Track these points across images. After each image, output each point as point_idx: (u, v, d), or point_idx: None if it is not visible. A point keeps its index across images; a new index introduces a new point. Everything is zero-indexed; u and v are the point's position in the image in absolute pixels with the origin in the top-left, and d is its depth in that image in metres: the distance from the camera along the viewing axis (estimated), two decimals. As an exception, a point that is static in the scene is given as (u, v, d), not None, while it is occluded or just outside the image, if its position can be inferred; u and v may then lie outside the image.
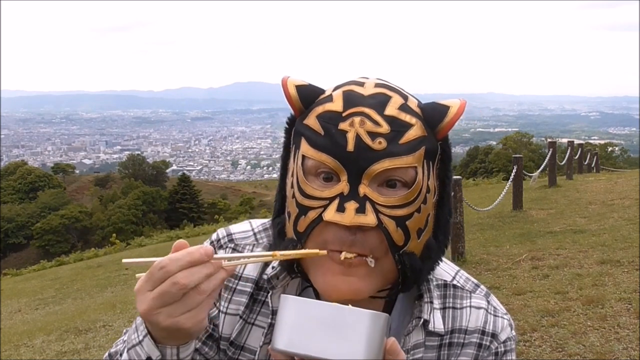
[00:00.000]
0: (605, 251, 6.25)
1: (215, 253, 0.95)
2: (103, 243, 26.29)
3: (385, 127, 0.78)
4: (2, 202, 43.77)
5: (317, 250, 0.77)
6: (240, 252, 0.95)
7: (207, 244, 0.96)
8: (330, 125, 0.79)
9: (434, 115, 0.83)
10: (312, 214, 0.80)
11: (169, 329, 0.70)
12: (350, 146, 0.77)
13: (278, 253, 0.77)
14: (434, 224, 0.86)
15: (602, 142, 49.95)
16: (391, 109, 0.80)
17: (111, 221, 39.67)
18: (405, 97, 0.83)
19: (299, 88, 0.85)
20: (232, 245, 0.95)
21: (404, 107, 0.81)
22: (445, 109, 0.83)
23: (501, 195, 8.31)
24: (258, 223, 0.99)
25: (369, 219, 0.77)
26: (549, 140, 16.21)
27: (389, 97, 0.81)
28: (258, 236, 0.96)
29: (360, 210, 0.77)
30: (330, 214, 0.78)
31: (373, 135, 0.78)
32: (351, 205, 0.77)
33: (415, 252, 0.82)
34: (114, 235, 20.56)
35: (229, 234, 0.97)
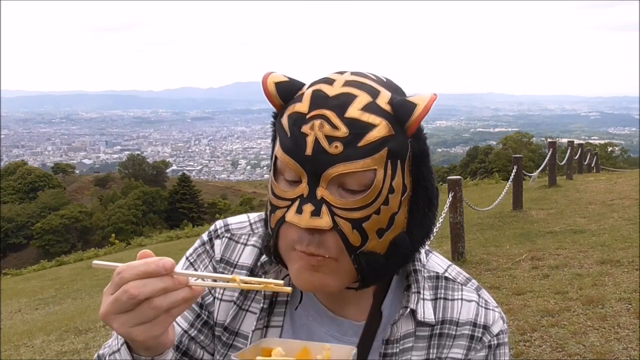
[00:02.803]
0: (605, 251, 6.25)
1: (212, 244, 0.97)
2: (103, 243, 26.25)
3: (343, 130, 0.78)
4: (2, 202, 43.79)
5: (280, 281, 0.76)
6: (237, 241, 0.97)
7: (205, 235, 0.99)
8: (295, 128, 0.81)
9: (402, 112, 0.82)
10: (279, 213, 0.83)
11: (125, 338, 0.72)
12: (309, 150, 0.79)
13: (238, 278, 0.74)
14: (410, 220, 0.86)
15: (602, 142, 49.91)
16: (353, 111, 0.79)
17: (111, 221, 39.69)
18: (375, 94, 0.82)
19: (278, 85, 0.85)
20: (229, 235, 0.98)
21: (370, 107, 0.80)
22: (412, 106, 0.81)
23: (501, 195, 8.31)
24: (255, 215, 1.02)
25: (323, 221, 0.79)
26: (549, 140, 16.20)
27: (354, 97, 0.80)
28: (254, 226, 0.99)
29: (316, 213, 0.79)
30: (290, 215, 0.81)
31: (330, 139, 0.78)
32: (308, 208, 0.80)
33: (377, 250, 0.83)
34: (113, 235, 20.56)
35: (226, 225, 1.00)
